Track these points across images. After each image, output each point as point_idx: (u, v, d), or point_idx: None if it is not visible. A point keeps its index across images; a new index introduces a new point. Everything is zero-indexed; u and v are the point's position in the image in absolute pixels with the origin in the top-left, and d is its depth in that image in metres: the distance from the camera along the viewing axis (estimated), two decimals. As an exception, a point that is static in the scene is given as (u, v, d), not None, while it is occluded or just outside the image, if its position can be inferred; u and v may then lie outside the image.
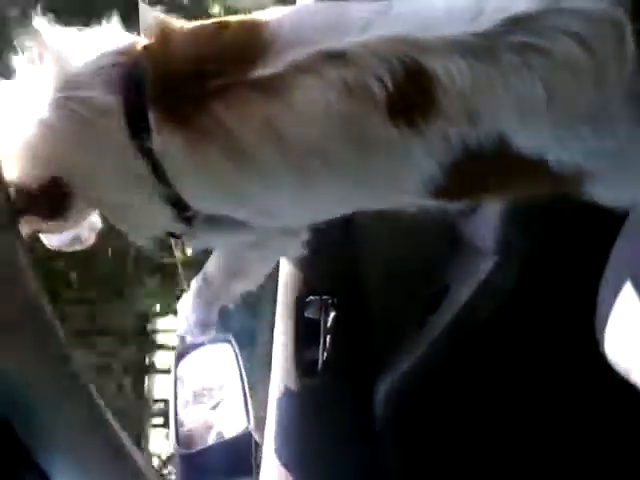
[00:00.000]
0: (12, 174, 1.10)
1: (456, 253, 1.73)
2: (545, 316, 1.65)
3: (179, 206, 1.17)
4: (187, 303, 1.43)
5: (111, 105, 1.10)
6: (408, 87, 1.02)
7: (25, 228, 1.14)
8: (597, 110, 1.02)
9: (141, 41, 1.16)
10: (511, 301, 1.67)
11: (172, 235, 1.26)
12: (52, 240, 1.32)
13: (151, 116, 1.09)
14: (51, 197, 1.13)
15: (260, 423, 1.73)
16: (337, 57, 1.04)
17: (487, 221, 1.64)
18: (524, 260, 1.65)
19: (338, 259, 1.70)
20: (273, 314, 1.76)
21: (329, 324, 1.71)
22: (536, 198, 1.23)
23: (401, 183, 1.11)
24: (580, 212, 1.29)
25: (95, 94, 1.10)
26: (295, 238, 1.31)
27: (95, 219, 1.34)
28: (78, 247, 1.35)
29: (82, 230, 1.33)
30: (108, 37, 1.18)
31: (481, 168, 1.08)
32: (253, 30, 1.10)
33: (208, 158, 1.09)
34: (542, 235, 1.63)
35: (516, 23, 1.00)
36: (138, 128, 1.10)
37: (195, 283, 1.41)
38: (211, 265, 1.38)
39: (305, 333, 1.71)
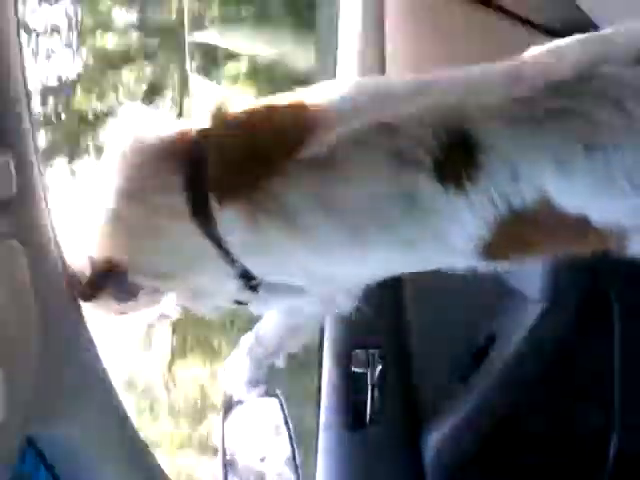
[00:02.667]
0: (82, 259, 1.14)
1: (502, 301, 1.72)
2: (596, 366, 1.63)
3: (245, 276, 1.21)
4: (237, 361, 1.44)
5: (174, 190, 1.14)
6: (454, 153, 1.06)
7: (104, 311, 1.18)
8: (636, 167, 1.04)
9: (196, 123, 1.20)
10: (561, 350, 1.66)
11: (239, 302, 1.29)
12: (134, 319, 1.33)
13: (212, 198, 1.13)
14: (118, 279, 1.17)
15: (309, 477, 1.73)
16: (386, 128, 1.08)
17: (534, 268, 1.63)
18: (573, 307, 1.64)
19: (383, 311, 1.70)
20: (320, 367, 1.77)
21: (376, 377, 1.71)
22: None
23: (449, 243, 1.13)
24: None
25: (158, 182, 1.15)
26: (349, 294, 1.33)
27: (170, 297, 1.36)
28: (169, 320, 1.38)
29: (166, 306, 1.34)
30: (165, 120, 1.24)
31: (525, 227, 1.10)
32: (303, 109, 1.14)
33: (269, 235, 1.13)
34: (591, 281, 1.62)
35: (555, 88, 1.04)
36: (201, 210, 1.14)
37: (246, 341, 1.42)
38: (265, 324, 1.39)
39: (352, 386, 1.71)
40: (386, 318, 1.72)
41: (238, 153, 1.13)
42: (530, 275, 1.66)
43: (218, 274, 1.20)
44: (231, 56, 2.27)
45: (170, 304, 1.34)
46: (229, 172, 1.13)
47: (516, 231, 1.10)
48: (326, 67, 1.76)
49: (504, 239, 1.11)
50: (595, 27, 1.39)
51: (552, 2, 1.48)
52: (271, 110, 1.16)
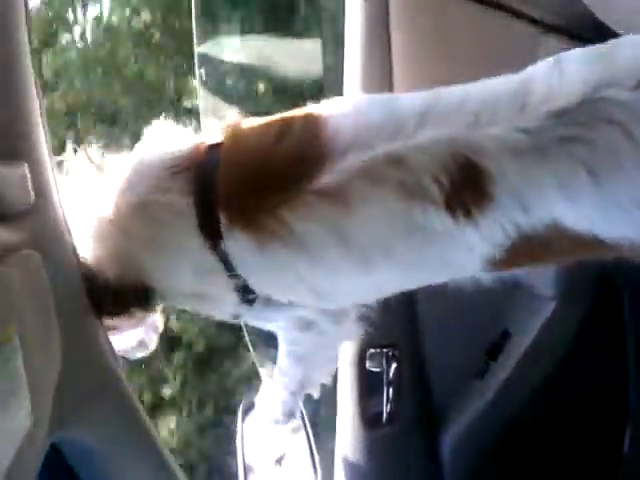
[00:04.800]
0: (96, 270, 1.15)
1: (515, 299, 1.73)
2: (610, 362, 1.63)
3: (244, 291, 1.23)
4: (273, 393, 1.45)
5: (184, 207, 1.16)
6: (463, 184, 1.07)
7: None
8: None
9: (206, 141, 1.21)
10: (574, 346, 1.66)
11: (235, 317, 1.32)
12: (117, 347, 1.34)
13: (222, 216, 1.14)
14: (135, 293, 1.20)
15: (327, 476, 1.74)
16: (394, 160, 1.09)
17: (546, 267, 1.64)
18: (585, 305, 1.64)
19: (397, 311, 1.71)
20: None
21: (391, 376, 1.72)
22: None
23: (459, 264, 1.16)
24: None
25: (169, 198, 1.16)
26: (347, 318, 1.34)
27: (156, 319, 1.38)
28: (143, 353, 1.40)
29: (146, 334, 1.37)
30: (176, 137, 1.25)
31: (535, 246, 1.11)
32: (314, 134, 1.14)
33: (276, 256, 1.15)
34: (603, 279, 1.62)
35: (560, 116, 1.04)
36: (209, 227, 1.15)
37: (276, 375, 1.43)
38: (280, 357, 1.40)
39: (368, 385, 1.72)
40: (400, 316, 1.73)
41: (249, 173, 1.15)
42: (543, 272, 1.67)
43: (221, 289, 1.22)
44: (239, 69, 2.28)
45: (151, 334, 1.37)
46: (239, 191, 1.14)
47: (526, 249, 1.12)
48: (333, 76, 1.77)
49: (513, 256, 1.13)
50: (598, 24, 1.39)
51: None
52: (284, 131, 1.16)
